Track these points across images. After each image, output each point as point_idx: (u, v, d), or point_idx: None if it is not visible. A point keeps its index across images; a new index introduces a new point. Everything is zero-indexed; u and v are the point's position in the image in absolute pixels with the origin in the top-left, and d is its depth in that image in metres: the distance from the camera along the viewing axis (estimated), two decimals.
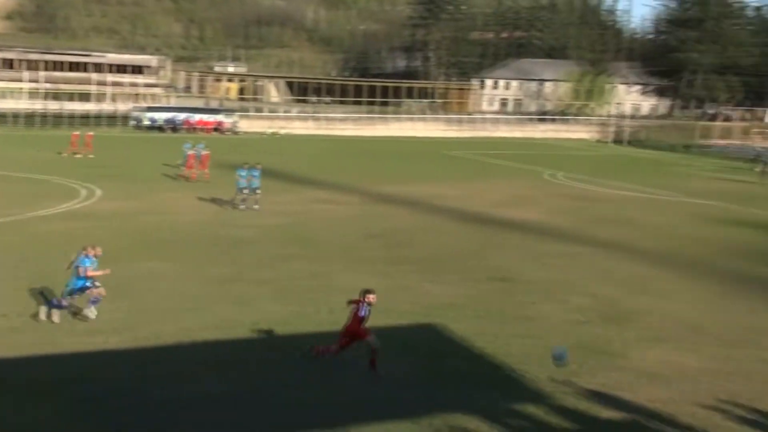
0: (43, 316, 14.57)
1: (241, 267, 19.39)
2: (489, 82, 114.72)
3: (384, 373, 12.66)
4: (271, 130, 71.47)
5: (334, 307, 16.24)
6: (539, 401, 11.96)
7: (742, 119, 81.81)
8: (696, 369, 13.59)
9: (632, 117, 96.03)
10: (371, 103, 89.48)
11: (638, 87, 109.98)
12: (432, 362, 13.58)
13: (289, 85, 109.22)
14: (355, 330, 12.72)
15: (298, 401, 11.68)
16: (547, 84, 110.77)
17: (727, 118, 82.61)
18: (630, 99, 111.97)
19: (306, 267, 20.00)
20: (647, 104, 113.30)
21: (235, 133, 67.96)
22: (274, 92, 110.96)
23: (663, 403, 12.02)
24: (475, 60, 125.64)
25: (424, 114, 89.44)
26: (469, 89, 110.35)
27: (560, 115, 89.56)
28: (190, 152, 35.91)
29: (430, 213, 29.46)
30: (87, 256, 14.65)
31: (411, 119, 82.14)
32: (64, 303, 14.73)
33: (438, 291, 18.13)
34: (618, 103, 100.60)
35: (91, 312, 14.69)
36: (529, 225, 27.68)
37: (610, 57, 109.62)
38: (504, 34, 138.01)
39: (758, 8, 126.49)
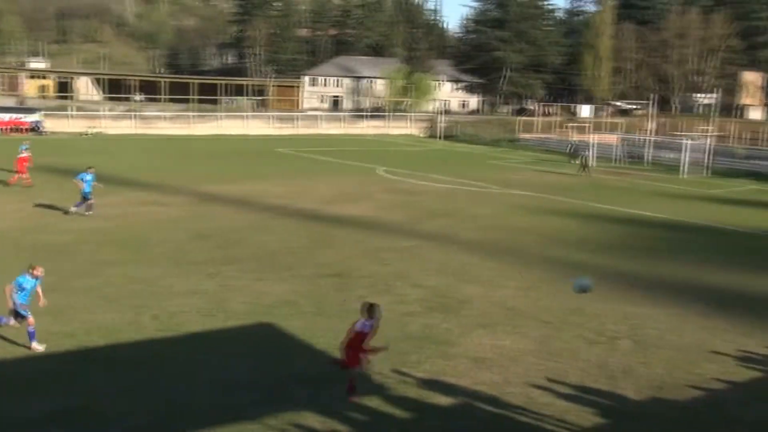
0: None
1: (61, 275, 18.18)
2: (317, 79, 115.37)
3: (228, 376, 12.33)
4: (89, 130, 67.46)
5: (158, 313, 15.74)
6: (379, 393, 12.17)
7: (557, 114, 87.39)
8: (524, 351, 14.34)
9: (450, 113, 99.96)
10: (199, 101, 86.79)
11: (458, 84, 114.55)
12: (272, 362, 13.45)
13: (100, 81, 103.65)
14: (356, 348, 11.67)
15: (129, 413, 11.11)
16: (370, 81, 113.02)
17: (544, 113, 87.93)
18: (450, 96, 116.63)
19: (131, 272, 19.13)
20: (467, 101, 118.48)
21: (40, 133, 63.21)
22: (85, 89, 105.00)
23: (494, 386, 12.60)
24: (298, 57, 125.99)
25: (254, 111, 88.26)
26: (296, 86, 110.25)
27: (386, 111, 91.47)
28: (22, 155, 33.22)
29: (260, 211, 29.09)
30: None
31: (239, 117, 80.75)
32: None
33: (272, 289, 17.94)
34: (440, 100, 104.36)
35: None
36: (360, 220, 28.03)
37: (429, 55, 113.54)
38: (327, 32, 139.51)
39: (569, 11, 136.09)
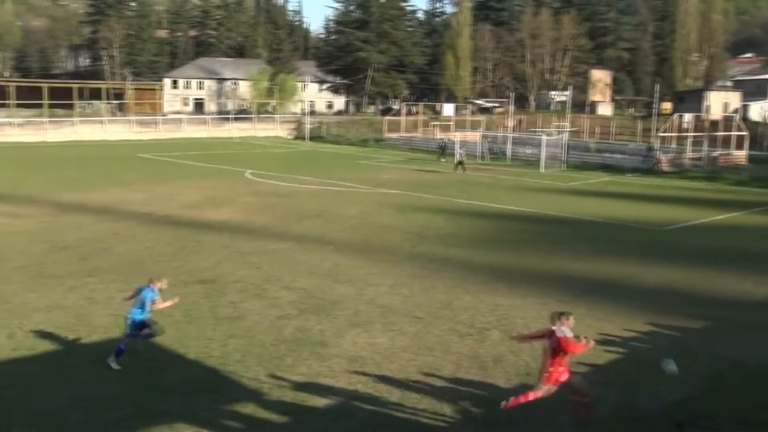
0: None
1: None
2: (179, 82, 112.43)
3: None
4: None
5: (15, 331, 14.88)
6: (255, 399, 12.02)
7: (422, 113, 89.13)
8: (398, 348, 14.56)
9: (316, 114, 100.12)
10: (51, 106, 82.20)
11: (324, 85, 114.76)
12: (142, 375, 12.99)
13: None
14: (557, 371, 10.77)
15: None
16: (234, 83, 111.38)
17: (409, 113, 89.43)
18: (316, 97, 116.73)
19: None
20: (333, 101, 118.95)
21: None
22: None
23: (371, 384, 12.73)
24: (157, 59, 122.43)
25: (112, 116, 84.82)
26: (157, 89, 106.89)
27: (251, 113, 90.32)
28: None
29: (123, 219, 28.03)
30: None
31: (97, 122, 77.44)
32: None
33: None
34: (304, 101, 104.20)
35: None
36: (228, 225, 27.56)
37: (293, 56, 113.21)
38: (187, 33, 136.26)
39: (429, 12, 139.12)
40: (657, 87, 73.19)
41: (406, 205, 33.38)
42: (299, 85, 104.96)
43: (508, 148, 60.83)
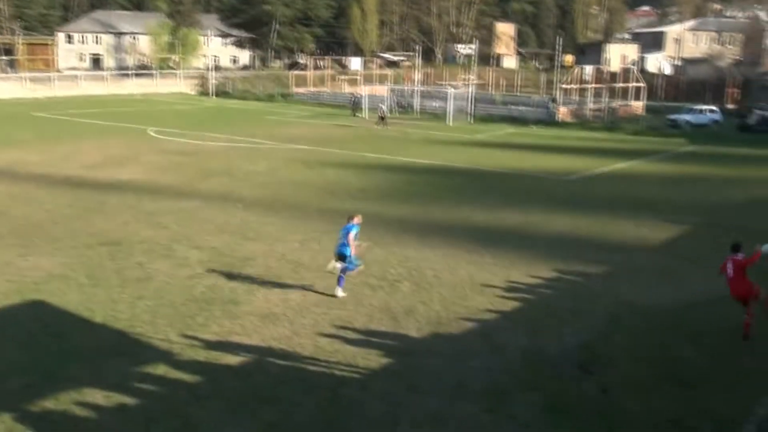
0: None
1: None
2: (73, 36, 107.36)
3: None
4: None
5: None
6: (167, 359, 11.87)
7: (329, 68, 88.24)
8: (309, 302, 14.62)
9: (221, 69, 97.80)
10: None
11: (228, 39, 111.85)
12: (47, 341, 12.59)
13: None
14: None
15: None
16: (133, 37, 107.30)
17: (316, 67, 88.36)
18: (220, 51, 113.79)
19: None
20: (237, 56, 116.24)
21: None
22: None
23: (284, 340, 12.76)
24: (48, 12, 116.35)
25: (4, 73, 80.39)
26: (50, 44, 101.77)
27: (152, 69, 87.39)
28: None
29: (20, 181, 26.87)
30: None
31: None
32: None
33: (40, 264, 16.75)
34: (207, 56, 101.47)
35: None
36: (132, 184, 26.82)
37: (195, 9, 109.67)
38: None
39: None
40: (559, 40, 74.60)
41: (314, 161, 33.21)
42: (202, 39, 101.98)
43: (416, 102, 61.11)
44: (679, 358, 12.42)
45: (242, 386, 11.03)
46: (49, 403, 10.35)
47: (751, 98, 63.91)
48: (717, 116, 53.01)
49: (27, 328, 13.07)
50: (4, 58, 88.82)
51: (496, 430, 9.94)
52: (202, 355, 12.07)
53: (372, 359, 12.06)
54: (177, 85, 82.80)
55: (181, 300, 14.55)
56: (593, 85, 62.08)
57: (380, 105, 51.30)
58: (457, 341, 12.94)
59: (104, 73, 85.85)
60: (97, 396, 10.59)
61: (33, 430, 9.70)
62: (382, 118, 49.02)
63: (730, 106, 63.37)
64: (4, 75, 78.59)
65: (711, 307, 14.76)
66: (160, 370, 11.51)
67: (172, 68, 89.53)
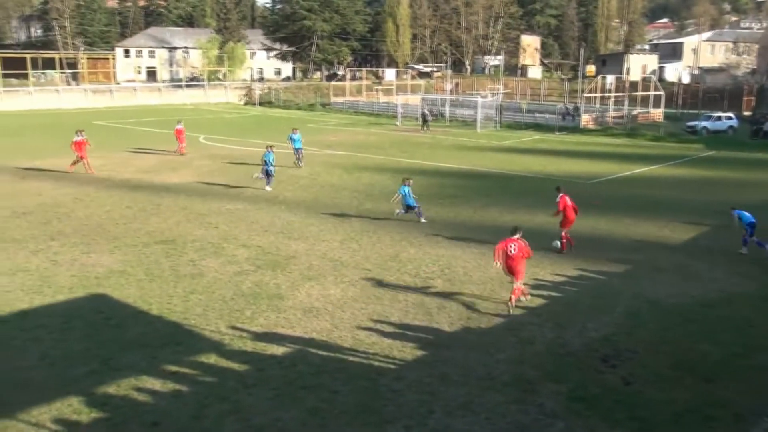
0: None
1: None
2: (130, 51, 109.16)
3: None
4: None
5: None
6: (217, 349, 12.01)
7: (365, 79, 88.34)
8: (349, 298, 14.67)
9: (265, 80, 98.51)
10: (5, 76, 78.53)
11: (272, 52, 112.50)
12: (107, 331, 12.83)
13: None
14: None
15: None
16: (185, 51, 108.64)
17: (353, 78, 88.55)
18: (264, 64, 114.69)
19: None
20: (280, 68, 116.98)
21: None
22: None
23: (325, 332, 12.83)
24: (108, 29, 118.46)
25: (67, 85, 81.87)
26: (109, 59, 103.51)
27: (203, 81, 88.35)
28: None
29: (81, 185, 27.35)
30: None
31: (53, 91, 74.63)
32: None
33: (101, 261, 17.05)
34: (252, 68, 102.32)
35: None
36: (184, 187, 27.14)
37: (241, 25, 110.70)
38: (137, 3, 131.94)
39: None
40: (582, 51, 73.87)
41: (352, 165, 33.28)
42: (248, 52, 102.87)
43: (447, 110, 60.93)
44: (697, 352, 12.24)
45: (287, 375, 11.11)
46: (110, 389, 10.55)
47: (766, 106, 62.59)
48: (733, 123, 51.99)
49: (90, 320, 13.32)
50: (68, 71, 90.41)
51: (523, 419, 9.89)
52: (249, 345, 12.19)
53: (407, 351, 12.07)
54: (225, 96, 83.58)
55: (230, 294, 14.71)
56: (614, 94, 61.33)
57: (423, 111, 51.51)
58: (487, 335, 12.89)
59: (158, 84, 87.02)
60: (154, 382, 10.77)
61: (97, 413, 9.88)
62: (425, 122, 49.25)
63: (746, 113, 62.15)
64: (68, 87, 80.00)
65: (728, 305, 14.52)
66: (212, 359, 11.65)
67: (220, 80, 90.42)
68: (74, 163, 30.15)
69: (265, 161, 26.40)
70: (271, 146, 26.59)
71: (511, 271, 14.01)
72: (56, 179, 28.50)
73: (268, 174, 26.40)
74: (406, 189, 21.16)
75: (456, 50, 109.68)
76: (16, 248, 18.09)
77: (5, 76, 77.91)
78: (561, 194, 18.73)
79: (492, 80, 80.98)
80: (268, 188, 25.95)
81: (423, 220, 21.30)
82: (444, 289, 15.34)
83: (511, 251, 13.89)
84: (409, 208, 21.17)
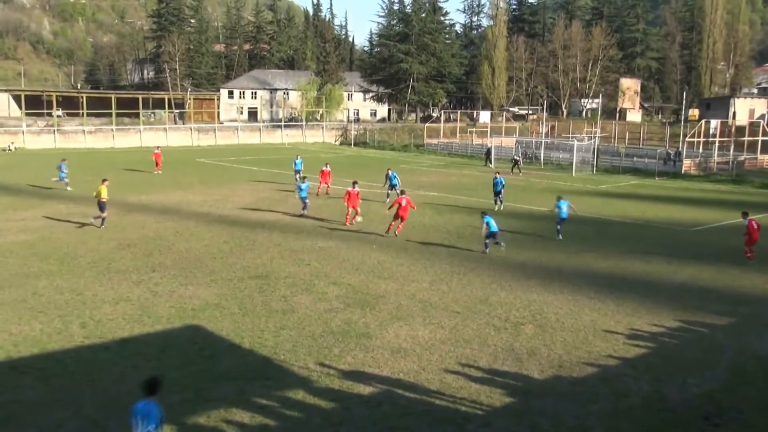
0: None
1: None
2: (234, 92, 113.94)
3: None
4: (9, 146, 64.40)
5: (86, 321, 15.21)
6: (305, 386, 12.08)
7: (459, 121, 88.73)
8: (438, 340, 14.51)
9: (361, 121, 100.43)
10: (119, 115, 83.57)
11: (368, 94, 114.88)
12: (201, 362, 13.15)
13: (19, 98, 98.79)
14: None
15: (61, 420, 10.68)
16: (285, 92, 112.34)
17: (448, 120, 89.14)
18: (360, 105, 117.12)
19: (57, 282, 18.40)
20: (376, 109, 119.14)
21: None
22: (5, 107, 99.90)
23: (412, 374, 12.71)
24: (214, 71, 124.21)
25: (174, 124, 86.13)
26: (214, 99, 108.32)
27: (301, 121, 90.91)
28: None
29: (182, 219, 28.46)
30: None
31: (160, 129, 78.70)
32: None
33: (198, 293, 17.58)
34: (350, 109, 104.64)
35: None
36: (279, 224, 27.78)
37: (339, 67, 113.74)
38: (242, 47, 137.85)
39: (467, 25, 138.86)
40: (685, 94, 71.71)
41: (444, 206, 33.27)
42: (345, 94, 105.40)
43: (541, 153, 60.25)
44: None
45: (372, 415, 11.05)
46: (201, 419, 10.77)
47: None
48: None
49: (185, 350, 13.71)
50: (175, 111, 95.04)
51: None
52: (336, 383, 12.22)
53: (495, 397, 11.80)
54: (321, 136, 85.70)
55: (319, 331, 14.85)
56: (719, 139, 59.08)
57: (515, 156, 51.45)
58: (579, 384, 12.45)
59: (259, 124, 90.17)
60: (243, 415, 10.93)
61: None
62: (516, 164, 49.03)
63: None
64: (174, 126, 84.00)
65: None
66: (299, 395, 11.73)
67: (317, 120, 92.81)
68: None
69: (299, 188, 30.12)
70: (304, 177, 30.36)
71: None
72: (159, 213, 29.78)
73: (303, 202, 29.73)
74: (489, 218, 22.86)
75: (552, 93, 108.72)
76: (120, 278, 18.93)
77: (119, 114, 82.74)
78: (749, 219, 22.42)
79: (588, 123, 79.59)
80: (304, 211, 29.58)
81: (503, 245, 23.09)
82: (535, 334, 14.97)
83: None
84: (492, 235, 22.69)
